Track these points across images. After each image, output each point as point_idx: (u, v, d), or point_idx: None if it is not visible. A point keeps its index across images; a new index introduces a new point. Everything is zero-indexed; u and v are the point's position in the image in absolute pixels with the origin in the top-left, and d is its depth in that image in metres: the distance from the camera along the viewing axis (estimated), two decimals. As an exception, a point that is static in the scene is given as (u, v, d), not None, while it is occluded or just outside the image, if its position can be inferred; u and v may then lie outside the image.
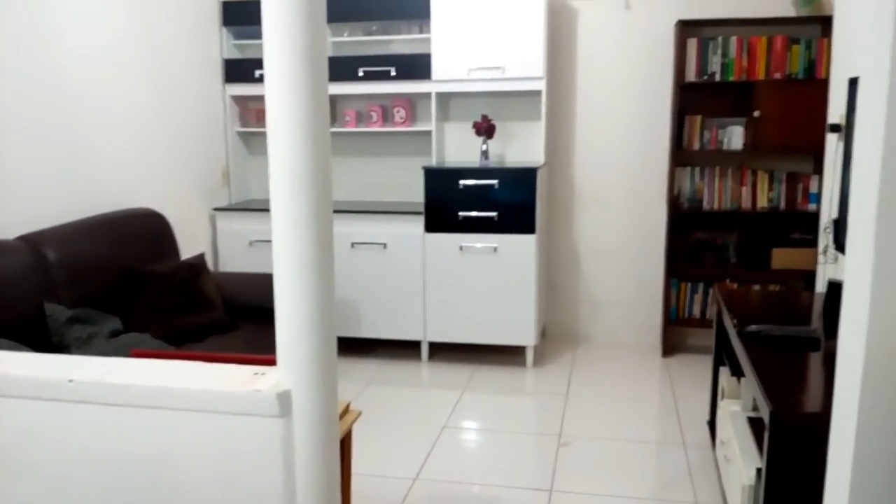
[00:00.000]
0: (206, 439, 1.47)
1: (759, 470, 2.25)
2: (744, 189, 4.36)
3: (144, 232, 3.49)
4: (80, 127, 3.40)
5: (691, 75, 4.29)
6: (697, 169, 4.42)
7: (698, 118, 4.35)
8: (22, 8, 3.03)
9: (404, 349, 4.53)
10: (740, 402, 2.83)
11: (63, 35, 3.27)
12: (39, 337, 2.68)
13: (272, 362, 1.53)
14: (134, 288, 3.18)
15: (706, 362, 4.31)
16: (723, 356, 3.18)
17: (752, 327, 2.56)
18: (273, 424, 1.43)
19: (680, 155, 4.39)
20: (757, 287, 4.33)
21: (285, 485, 1.45)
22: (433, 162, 4.48)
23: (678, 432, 3.44)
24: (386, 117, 4.64)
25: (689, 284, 4.51)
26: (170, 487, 1.51)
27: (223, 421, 1.45)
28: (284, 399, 1.42)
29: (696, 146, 4.36)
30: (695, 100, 4.37)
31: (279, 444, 1.44)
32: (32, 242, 2.88)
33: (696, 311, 4.52)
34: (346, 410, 2.17)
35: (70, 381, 1.50)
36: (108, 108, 3.59)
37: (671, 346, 4.59)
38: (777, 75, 4.18)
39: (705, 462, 3.14)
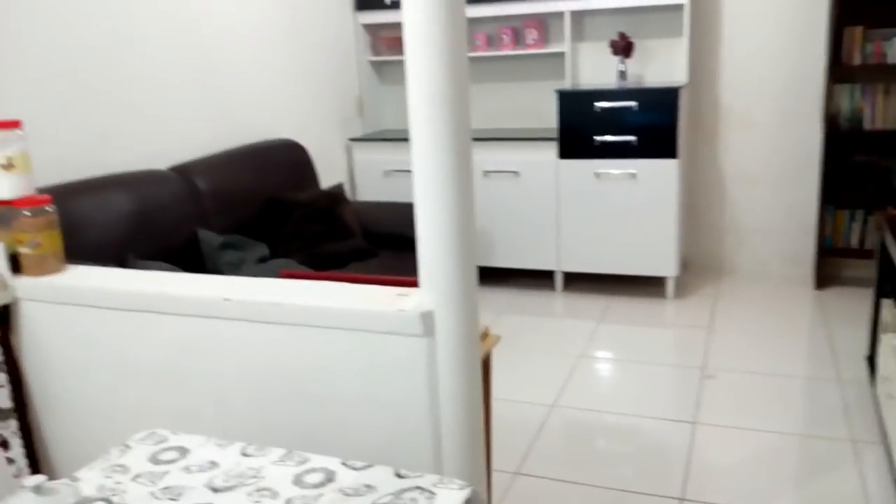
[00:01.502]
0: (351, 356, 1.50)
1: (929, 407, 2.07)
2: (913, 106, 3.96)
3: (285, 161, 3.59)
4: (220, 60, 3.50)
5: (851, -19, 3.89)
6: (858, 86, 4.04)
7: (859, 29, 3.95)
8: (166, -56, 3.12)
9: (538, 279, 4.49)
10: (906, 335, 2.62)
11: (204, -30, 3.35)
12: (193, 262, 2.83)
13: (414, 284, 1.54)
14: (277, 216, 3.29)
15: (864, 295, 4.01)
16: (886, 287, 2.94)
17: (925, 254, 2.34)
18: (417, 343, 1.44)
19: (838, 70, 4.02)
20: (925, 214, 3.96)
21: (429, 402, 1.47)
22: (567, 85, 4.33)
23: (832, 367, 3.24)
24: (517, 40, 4.51)
25: (847, 211, 4.19)
26: (316, 402, 1.56)
27: (368, 339, 1.48)
28: (428, 319, 1.43)
29: (857, 60, 3.98)
30: (855, 9, 3.96)
31: (423, 362, 1.45)
32: (184, 172, 3.02)
33: (854, 241, 4.20)
34: (485, 334, 2.17)
35: (226, 299, 1.56)
36: (245, 42, 3.67)
37: (825, 277, 4.30)
38: (958, -25, 3.72)
39: (862, 399, 2.95)
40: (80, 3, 2.73)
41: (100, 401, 1.78)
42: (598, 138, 4.01)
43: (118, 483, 1.07)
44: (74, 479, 1.06)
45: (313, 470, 1.09)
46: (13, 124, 1.81)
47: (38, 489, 0.84)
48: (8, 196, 1.79)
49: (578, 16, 4.39)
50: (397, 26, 4.61)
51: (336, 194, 3.50)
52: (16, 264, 1.80)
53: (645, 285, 4.31)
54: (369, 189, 4.56)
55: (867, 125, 4.05)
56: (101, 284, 1.73)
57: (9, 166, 1.79)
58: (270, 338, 1.56)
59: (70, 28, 2.70)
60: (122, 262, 2.52)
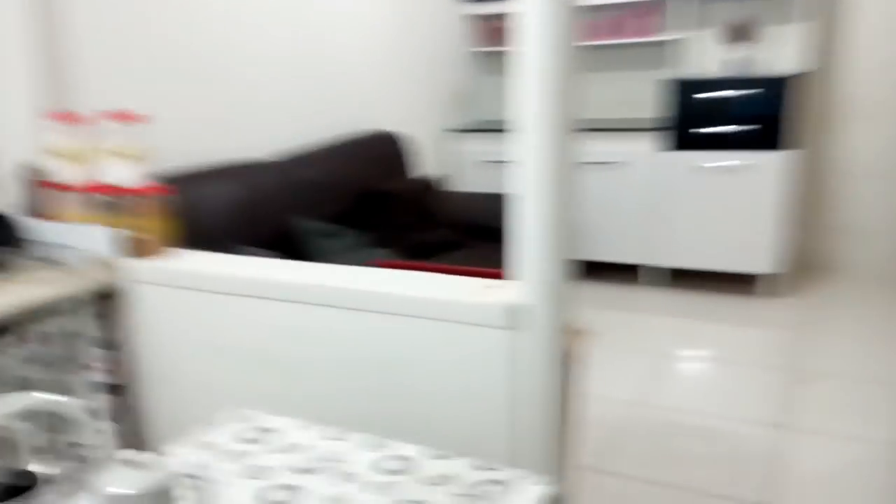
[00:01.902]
0: (439, 346, 1.52)
1: None
2: None
3: (383, 152, 3.65)
4: (327, 54, 3.59)
5: None
6: None
7: None
8: (273, -61, 3.21)
9: (635, 273, 4.40)
10: None
11: (309, -37, 3.44)
12: (292, 248, 2.93)
13: (500, 276, 1.55)
14: (373, 206, 3.35)
15: None
16: None
17: None
18: (501, 336, 1.45)
19: (970, 58, 3.74)
20: None
21: (509, 396, 1.47)
22: (674, 73, 4.21)
23: (948, 376, 3.04)
24: (621, 28, 4.40)
25: (974, 210, 3.90)
26: (403, 388, 1.59)
27: (456, 329, 1.49)
28: (512, 312, 1.43)
29: None
30: None
31: (505, 355, 1.46)
32: (287, 162, 3.12)
33: (981, 242, 3.92)
34: (580, 330, 2.15)
35: (322, 286, 1.61)
36: (351, 35, 3.75)
37: (945, 280, 4.03)
38: None
39: (980, 411, 2.76)
40: (200, 3, 2.86)
41: (194, 379, 1.88)
42: (704, 129, 3.88)
43: (204, 460, 1.12)
44: (163, 454, 1.12)
45: (392, 457, 1.12)
46: (142, 118, 1.92)
47: (128, 462, 0.90)
48: (129, 184, 1.91)
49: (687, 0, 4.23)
50: (499, 17, 4.60)
51: (426, 184, 3.54)
52: (128, 247, 1.92)
53: (749, 283, 4.16)
54: (467, 179, 4.58)
55: None
56: (205, 269, 1.81)
57: (133, 156, 1.90)
58: (361, 324, 1.60)
59: (192, 25, 2.83)
60: (226, 249, 2.63)
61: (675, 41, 4.19)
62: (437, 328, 1.51)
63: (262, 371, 1.76)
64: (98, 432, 1.89)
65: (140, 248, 1.90)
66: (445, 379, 1.53)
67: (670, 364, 3.30)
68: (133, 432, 1.99)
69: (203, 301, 1.80)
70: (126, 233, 1.90)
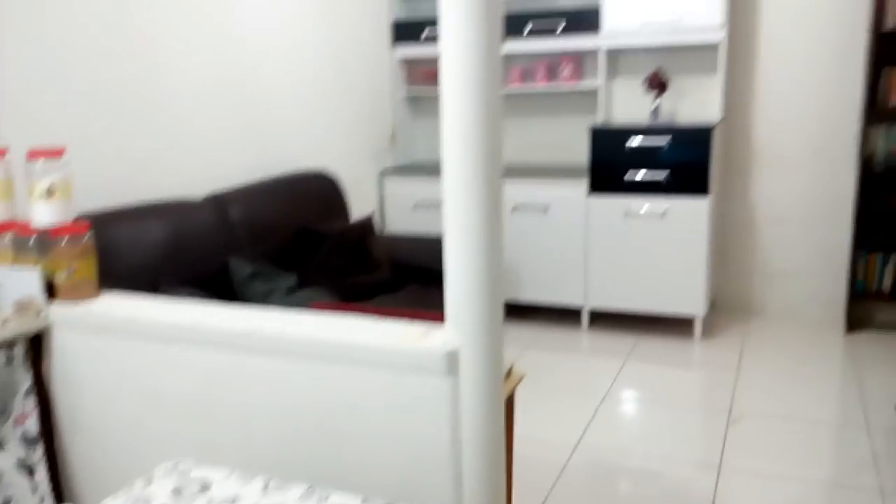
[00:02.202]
0: (376, 393, 1.51)
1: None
2: (950, 150, 3.92)
3: (317, 192, 3.64)
4: (258, 93, 3.58)
5: (890, 23, 3.87)
6: (894, 127, 4.01)
7: (897, 71, 3.93)
8: (208, -21, 3.21)
9: (564, 315, 4.47)
10: (940, 385, 2.57)
11: (242, 4, 3.43)
12: (223, 290, 2.87)
13: (441, 320, 1.55)
14: (307, 246, 3.33)
15: (897, 340, 3.97)
16: (920, 334, 2.89)
17: (960, 304, 2.30)
18: (441, 382, 1.45)
19: (874, 112, 4.00)
20: (961, 260, 3.89)
21: (452, 442, 1.47)
22: (599, 121, 4.35)
23: (861, 414, 3.18)
24: (551, 75, 4.55)
25: (881, 255, 4.13)
26: (340, 436, 1.57)
27: (393, 376, 1.49)
28: (452, 357, 1.43)
29: (894, 102, 3.95)
30: (893, 51, 3.95)
31: (446, 401, 1.45)
32: (218, 201, 3.08)
33: (887, 285, 4.14)
34: (510, 372, 2.17)
35: (255, 332, 1.58)
36: (282, 74, 3.75)
37: (856, 321, 4.24)
38: None
39: (892, 448, 2.89)
40: (123, 34, 2.81)
41: (127, 430, 1.81)
42: (629, 175, 4.02)
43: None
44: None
45: (334, 508, 1.10)
46: (57, 152, 1.87)
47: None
48: (48, 223, 1.84)
49: (614, 53, 4.42)
50: (432, 61, 4.68)
51: (366, 226, 3.54)
52: (51, 290, 1.84)
53: (672, 325, 4.28)
54: (399, 221, 4.60)
55: (903, 168, 4.01)
56: (132, 314, 1.76)
57: (50, 193, 1.84)
58: (297, 371, 1.57)
59: (112, 57, 2.78)
60: (155, 289, 2.57)
61: (602, 89, 4.34)
62: (376, 375, 1.50)
63: (196, 420, 1.71)
64: (31, 488, 1.79)
65: (65, 291, 1.84)
66: (385, 426, 1.52)
67: (608, 406, 3.35)
68: (66, 485, 1.90)
69: (132, 346, 1.75)
70: (51, 275, 1.83)
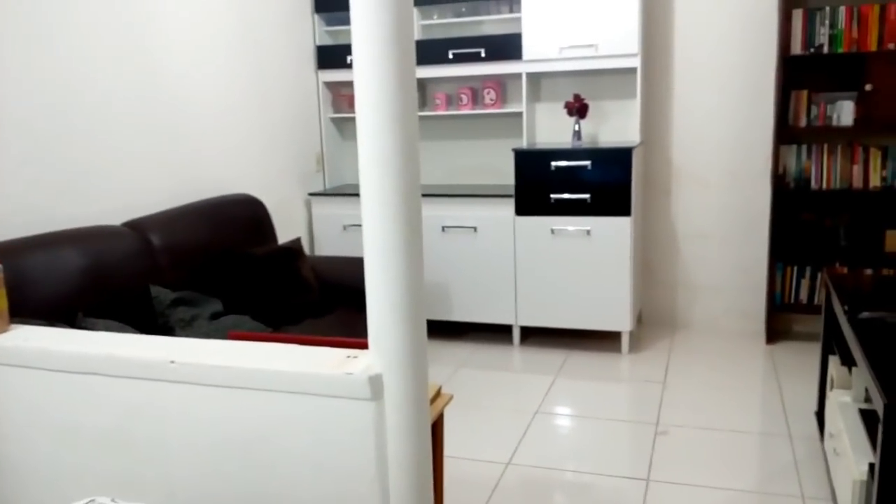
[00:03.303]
0: (299, 420, 1.49)
1: (871, 465, 2.12)
2: (855, 167, 4.12)
3: (243, 216, 3.58)
4: (179, 116, 3.52)
5: (797, 48, 4.06)
6: (804, 146, 4.19)
7: (805, 93, 4.12)
8: (125, 3, 3.14)
9: (496, 333, 4.51)
10: (851, 392, 2.68)
11: (160, 24, 3.38)
12: (145, 318, 2.80)
13: (364, 346, 1.54)
14: (233, 271, 3.27)
15: (813, 350, 4.11)
16: (832, 344, 3.01)
17: (865, 314, 2.41)
18: (365, 407, 1.44)
19: (785, 132, 4.18)
20: (869, 271, 4.08)
21: (377, 466, 1.46)
22: (524, 143, 4.43)
23: (783, 423, 3.29)
24: (476, 99, 4.61)
25: (795, 268, 4.30)
26: (263, 466, 1.54)
27: (316, 402, 1.47)
28: (376, 382, 1.43)
29: (803, 122, 4.14)
30: (800, 74, 4.15)
31: (371, 426, 1.44)
32: (137, 227, 3.00)
33: (803, 297, 4.30)
34: (437, 394, 2.17)
35: (172, 362, 1.55)
36: (205, 96, 3.70)
37: (775, 332, 4.39)
38: (891, 46, 3.90)
39: (812, 455, 2.99)
40: (33, 57, 2.73)
41: (41, 465, 1.74)
42: (553, 196, 4.09)
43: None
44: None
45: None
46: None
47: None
48: (-48, 255, 1.77)
49: (535, 77, 4.51)
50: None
51: (293, 249, 3.50)
52: (-42, 324, 1.77)
53: (600, 339, 4.36)
54: (329, 243, 4.57)
55: (814, 185, 4.19)
56: (44, 346, 1.70)
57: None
58: (217, 401, 1.54)
59: (26, 81, 2.70)
60: (72, 319, 2.48)
61: (528, 113, 4.42)
62: (298, 402, 1.48)
63: (113, 453, 1.66)
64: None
65: (-28, 325, 1.76)
66: (310, 453, 1.50)
67: (540, 422, 3.38)
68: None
69: (46, 380, 1.68)
70: (-44, 309, 1.76)
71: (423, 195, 3.99)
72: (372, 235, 1.38)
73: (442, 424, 2.23)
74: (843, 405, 2.61)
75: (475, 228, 4.28)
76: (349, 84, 4.78)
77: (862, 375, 2.21)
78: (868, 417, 2.41)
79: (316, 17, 4.67)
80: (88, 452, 1.69)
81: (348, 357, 1.52)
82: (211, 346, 1.64)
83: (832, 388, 2.82)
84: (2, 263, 1.80)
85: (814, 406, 3.29)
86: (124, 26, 3.14)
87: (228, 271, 3.26)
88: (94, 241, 2.73)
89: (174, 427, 1.59)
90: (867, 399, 2.55)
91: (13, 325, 1.85)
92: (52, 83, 2.81)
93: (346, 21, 4.61)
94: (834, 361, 2.92)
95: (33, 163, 2.73)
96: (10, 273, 1.83)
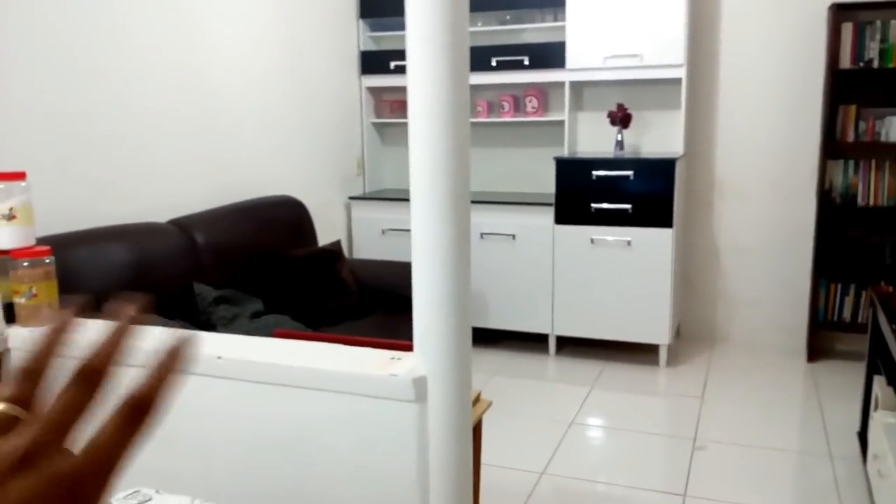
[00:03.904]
0: (341, 420, 1.50)
1: (920, 488, 2.06)
2: (904, 184, 4.04)
3: (285, 218, 3.62)
4: (226, 119, 3.57)
5: (846, 62, 4.00)
6: (851, 162, 4.12)
7: (853, 107, 4.05)
8: (171, 7, 3.20)
9: (532, 342, 4.49)
10: (898, 413, 2.62)
11: (208, 30, 3.44)
12: (188, 314, 2.84)
13: (408, 348, 1.54)
14: (274, 271, 3.30)
15: (857, 369, 4.01)
16: (878, 363, 2.94)
17: (916, 333, 2.36)
18: (408, 409, 1.44)
19: (832, 146, 4.11)
20: (917, 290, 3.99)
21: (418, 469, 1.46)
22: (565, 152, 4.41)
23: (824, 442, 3.22)
24: (518, 107, 4.60)
25: (839, 285, 4.22)
26: (304, 465, 1.55)
27: (359, 403, 1.48)
28: (420, 384, 1.43)
29: (851, 137, 4.06)
30: (849, 88, 4.08)
31: (413, 429, 1.44)
32: (183, 226, 3.05)
33: (847, 314, 4.22)
34: (477, 399, 2.16)
35: (219, 357, 1.56)
36: (250, 100, 3.75)
37: (817, 350, 4.31)
38: (945, 61, 3.83)
39: (854, 476, 2.93)
40: (86, 59, 2.80)
41: (86, 455, 1.77)
42: (594, 205, 4.07)
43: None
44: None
45: (298, 537, 1.08)
46: (18, 175, 1.84)
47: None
48: (8, 246, 1.81)
49: (578, 86, 4.49)
50: (400, 90, 4.71)
51: (333, 251, 3.53)
52: (11, 314, 1.81)
53: (638, 352, 4.31)
54: (367, 247, 4.59)
55: (860, 201, 4.11)
56: (91, 339, 1.73)
57: (11, 217, 1.82)
58: (261, 398, 1.55)
59: (75, 82, 2.76)
60: (116, 314, 2.52)
61: (570, 121, 4.40)
62: (343, 402, 1.49)
63: (156, 447, 1.68)
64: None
65: (25, 315, 1.80)
66: (351, 454, 1.50)
67: (575, 433, 3.35)
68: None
69: (93, 372, 1.71)
70: (10, 298, 1.80)
71: (463, 201, 3.98)
72: (421, 239, 1.38)
73: (481, 430, 2.22)
74: (889, 426, 2.55)
75: (514, 236, 4.27)
76: (391, 89, 4.81)
77: (911, 396, 2.16)
78: (916, 439, 2.35)
79: (360, 22, 4.71)
80: (132, 445, 1.71)
81: (392, 359, 1.52)
82: (257, 343, 1.66)
83: (877, 408, 2.76)
84: (52, 256, 1.83)
85: (856, 426, 3.22)
86: (170, 29, 3.20)
87: (269, 271, 3.29)
88: (141, 238, 2.79)
89: (218, 422, 1.60)
90: (914, 421, 2.49)
91: (63, 317, 1.89)
92: (105, 83, 2.87)
93: (390, 27, 4.65)
94: (879, 381, 2.85)
95: (83, 160, 2.79)
96: (59, 266, 1.87)
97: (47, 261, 1.81)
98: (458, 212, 1.39)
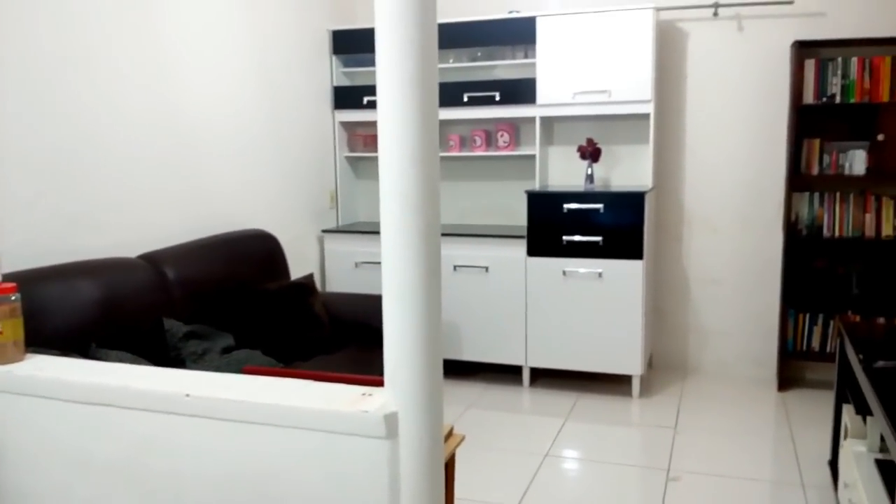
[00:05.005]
0: (313, 457, 1.49)
1: (889, 517, 2.08)
2: (867, 216, 4.12)
3: (257, 252, 3.61)
4: (197, 152, 3.56)
5: (809, 97, 4.11)
6: (816, 194, 4.21)
7: (817, 141, 4.15)
8: (145, 40, 3.21)
9: (505, 374, 4.48)
10: (866, 442, 2.64)
11: (182, 64, 3.45)
12: (158, 350, 2.80)
13: (379, 383, 1.54)
14: (245, 305, 3.28)
15: (826, 398, 4.07)
16: (846, 393, 2.98)
17: (881, 363, 2.39)
18: (379, 446, 1.43)
19: (797, 180, 4.20)
20: (882, 320, 4.06)
21: (390, 507, 1.45)
22: (536, 186, 4.45)
23: (796, 471, 3.25)
24: (490, 142, 4.65)
25: (808, 315, 4.28)
26: (275, 502, 1.53)
27: (330, 440, 1.47)
28: (391, 420, 1.42)
29: (815, 170, 4.16)
30: (813, 123, 4.18)
31: (385, 465, 1.44)
32: (153, 260, 3.02)
33: (816, 344, 4.28)
34: (450, 434, 2.15)
35: (187, 395, 1.55)
36: (223, 134, 3.75)
37: (788, 379, 4.35)
38: (903, 96, 3.94)
39: (826, 505, 2.95)
40: (56, 93, 2.78)
41: (52, 495, 1.73)
42: (566, 238, 4.10)
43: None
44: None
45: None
46: (-15, 212, 1.82)
47: None
48: (-25, 283, 1.78)
49: (548, 121, 4.55)
50: (373, 124, 4.73)
51: (306, 284, 3.51)
52: (-24, 352, 1.78)
53: (611, 383, 4.32)
54: (340, 280, 4.58)
55: (826, 232, 4.19)
56: (59, 376, 1.70)
57: (-23, 254, 1.79)
58: (230, 435, 1.54)
59: (45, 116, 2.74)
60: (85, 350, 2.49)
61: (541, 156, 4.45)
62: (314, 439, 1.48)
63: (125, 486, 1.65)
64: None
65: (-11, 354, 1.77)
66: (323, 491, 1.49)
67: (550, 465, 3.34)
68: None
69: (60, 410, 1.69)
70: (-26, 337, 1.77)
71: (436, 234, 4.00)
72: (391, 273, 1.39)
73: (454, 465, 2.21)
74: (859, 455, 2.57)
75: (487, 268, 4.29)
76: (364, 124, 4.85)
77: (878, 425, 2.19)
78: (885, 468, 2.38)
79: (334, 58, 4.75)
80: (100, 483, 1.68)
81: (363, 394, 1.51)
82: (226, 380, 1.65)
83: (846, 437, 2.79)
84: (19, 293, 1.81)
85: (827, 455, 3.25)
86: (143, 62, 3.20)
87: (241, 306, 3.27)
88: (109, 273, 2.76)
89: (187, 460, 1.58)
90: (883, 449, 2.52)
91: (28, 355, 1.86)
92: (69, 117, 2.85)
93: (363, 63, 4.69)
94: (848, 410, 2.89)
95: (49, 194, 2.76)
96: (25, 302, 1.84)
97: (13, 298, 1.79)
98: (429, 245, 1.40)
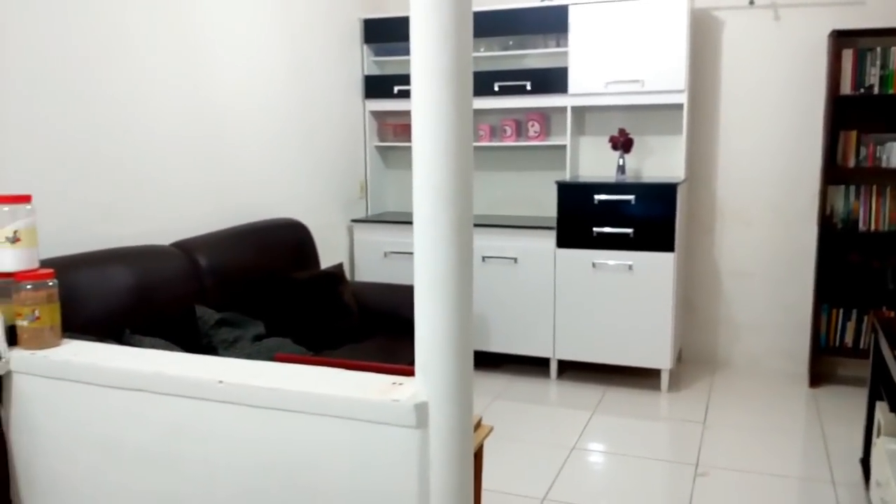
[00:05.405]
0: (342, 445, 1.50)
1: (924, 516, 2.05)
2: (905, 209, 4.04)
3: (287, 241, 3.63)
4: (230, 141, 3.59)
5: (846, 88, 4.03)
6: (852, 187, 4.13)
7: (854, 133, 4.07)
8: (177, 31, 3.24)
9: (533, 366, 4.47)
10: (901, 440, 2.60)
11: (214, 54, 3.47)
12: (189, 337, 2.84)
13: (409, 372, 1.54)
14: (276, 294, 3.31)
15: (858, 395, 4.01)
16: (880, 389, 2.93)
17: (918, 359, 2.35)
18: (410, 435, 1.44)
19: (833, 172, 4.12)
20: (919, 316, 3.98)
21: (419, 495, 1.45)
22: (567, 176, 4.43)
23: (826, 468, 3.20)
24: (520, 131, 4.63)
25: (841, 310, 4.21)
26: (304, 489, 1.54)
27: (361, 428, 1.47)
28: (422, 410, 1.43)
29: (852, 163, 4.08)
30: (850, 114, 4.10)
31: (415, 454, 1.44)
32: (185, 248, 3.06)
33: (849, 340, 4.21)
34: (478, 424, 2.15)
35: (220, 381, 1.57)
36: (255, 123, 3.77)
37: (819, 375, 4.29)
38: (945, 87, 3.85)
39: (857, 502, 2.91)
40: (90, 81, 2.82)
41: (85, 480, 1.76)
42: (596, 229, 4.07)
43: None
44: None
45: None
46: (24, 199, 1.85)
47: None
48: (12, 269, 1.82)
49: (580, 111, 4.52)
50: (403, 114, 4.75)
51: (335, 274, 3.53)
52: (13, 336, 1.81)
53: (639, 376, 4.30)
54: (369, 269, 4.59)
55: (862, 226, 4.12)
56: (94, 361, 1.73)
57: (15, 240, 1.82)
58: (262, 422, 1.55)
59: (78, 105, 2.78)
60: (119, 336, 2.53)
61: (572, 146, 4.42)
62: (343, 427, 1.49)
63: (156, 471, 1.68)
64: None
65: (27, 337, 1.80)
66: (352, 479, 1.50)
67: (576, 458, 3.33)
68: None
69: (93, 395, 1.71)
70: (13, 320, 1.80)
71: (465, 225, 3.99)
72: (423, 265, 1.39)
73: (482, 455, 2.21)
74: (892, 453, 2.53)
75: (515, 259, 4.28)
76: (395, 113, 4.85)
77: (914, 423, 2.15)
78: (919, 467, 2.34)
79: (365, 47, 4.75)
80: (131, 469, 1.71)
81: (394, 384, 1.52)
82: (258, 367, 1.66)
83: (879, 434, 2.74)
84: (56, 279, 1.84)
85: (859, 453, 3.20)
86: (175, 52, 3.22)
87: (271, 294, 3.30)
88: (143, 260, 2.79)
89: (218, 447, 1.60)
90: (918, 448, 2.48)
91: (64, 340, 1.89)
92: (110, 106, 2.89)
93: (394, 52, 4.69)
94: (881, 407, 2.84)
95: (87, 183, 2.80)
96: (62, 288, 1.87)
97: (50, 283, 1.82)
98: (461, 236, 1.39)
